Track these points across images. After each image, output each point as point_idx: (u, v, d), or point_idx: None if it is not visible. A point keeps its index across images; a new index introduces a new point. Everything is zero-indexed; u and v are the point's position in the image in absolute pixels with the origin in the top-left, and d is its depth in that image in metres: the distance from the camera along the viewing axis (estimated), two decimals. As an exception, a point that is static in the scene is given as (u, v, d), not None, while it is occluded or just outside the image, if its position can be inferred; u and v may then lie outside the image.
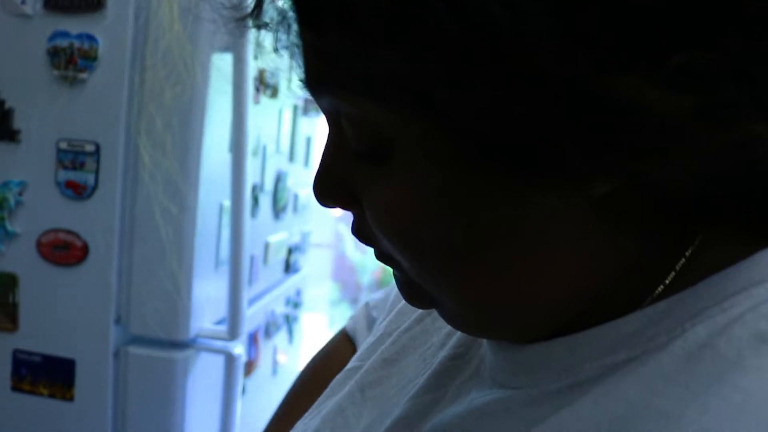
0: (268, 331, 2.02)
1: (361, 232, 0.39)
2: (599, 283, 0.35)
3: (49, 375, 1.50)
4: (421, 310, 0.52)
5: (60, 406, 1.49)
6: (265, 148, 1.83)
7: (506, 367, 0.40)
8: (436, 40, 0.29)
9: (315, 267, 2.90)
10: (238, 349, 1.57)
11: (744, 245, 0.34)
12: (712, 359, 0.31)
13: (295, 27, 0.36)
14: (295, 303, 2.26)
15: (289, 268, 2.18)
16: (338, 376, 0.55)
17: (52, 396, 1.50)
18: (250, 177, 1.58)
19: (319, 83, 0.35)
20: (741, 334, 0.31)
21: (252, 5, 0.39)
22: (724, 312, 0.32)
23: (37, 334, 1.50)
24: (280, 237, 2.04)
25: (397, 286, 0.40)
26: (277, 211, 2.01)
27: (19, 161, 1.47)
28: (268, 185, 1.91)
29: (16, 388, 1.51)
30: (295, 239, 2.22)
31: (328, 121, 0.38)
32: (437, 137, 0.32)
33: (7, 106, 1.47)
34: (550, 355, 0.37)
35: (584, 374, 0.35)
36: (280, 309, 2.13)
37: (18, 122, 1.47)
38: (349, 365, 0.55)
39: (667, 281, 0.34)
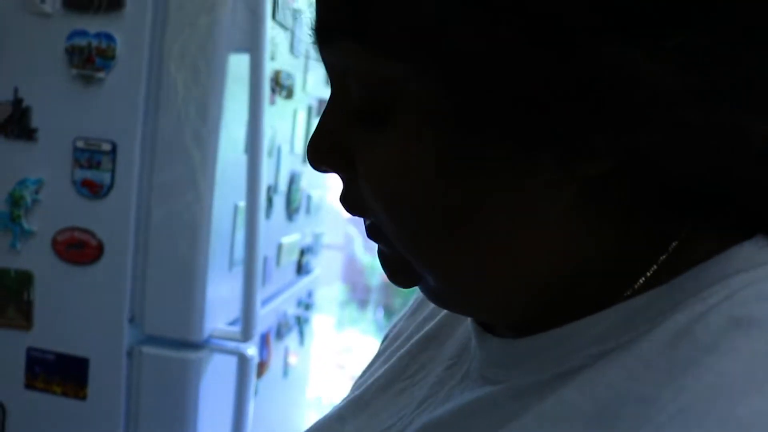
0: (280, 332, 2.02)
1: (349, 199, 0.39)
2: (578, 268, 0.36)
3: (62, 373, 1.50)
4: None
5: (73, 405, 1.49)
6: (279, 149, 1.83)
7: (494, 361, 0.40)
8: None
9: (325, 268, 2.90)
10: (251, 350, 1.57)
11: (720, 240, 0.35)
12: (689, 344, 0.32)
13: None
14: (306, 304, 2.26)
15: (301, 269, 2.18)
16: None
17: (65, 394, 1.50)
18: (265, 178, 1.58)
19: (332, 32, 0.36)
20: (717, 321, 0.32)
21: None
22: (702, 301, 0.33)
23: (51, 332, 1.50)
24: (292, 238, 2.04)
25: (382, 265, 0.40)
26: (290, 212, 2.01)
27: (35, 159, 1.47)
28: (282, 186, 1.91)
29: (29, 386, 1.51)
30: (308, 240, 2.21)
31: (331, 81, 0.38)
32: (442, 97, 0.32)
33: (24, 104, 1.47)
34: (537, 348, 0.37)
35: (569, 365, 0.36)
36: (292, 310, 2.13)
37: (35, 121, 1.47)
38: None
39: (648, 273, 0.35)
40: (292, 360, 2.17)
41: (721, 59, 0.29)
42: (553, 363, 0.36)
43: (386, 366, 0.50)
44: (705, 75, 0.29)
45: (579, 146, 0.31)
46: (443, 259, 0.37)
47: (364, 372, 0.56)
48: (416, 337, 0.50)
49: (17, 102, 1.48)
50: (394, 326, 0.57)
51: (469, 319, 0.45)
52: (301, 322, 2.22)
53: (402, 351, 0.50)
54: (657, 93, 0.29)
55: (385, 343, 0.56)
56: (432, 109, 0.33)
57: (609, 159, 0.32)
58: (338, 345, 4.86)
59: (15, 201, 1.48)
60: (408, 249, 0.37)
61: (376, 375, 0.51)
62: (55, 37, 1.44)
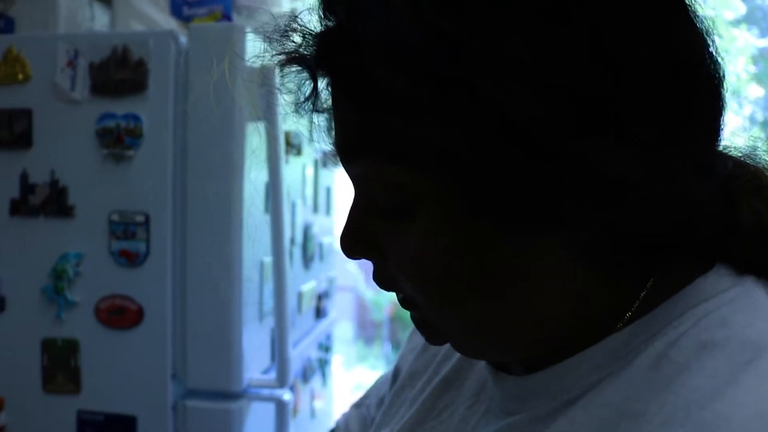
0: (306, 375, 2.12)
1: (381, 279, 0.46)
2: (576, 312, 0.44)
3: (112, 432, 1.60)
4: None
5: (124, 461, 1.59)
6: (294, 204, 1.95)
7: (512, 396, 0.48)
8: (471, 117, 0.37)
9: (338, 309, 3.00)
10: (287, 395, 1.67)
11: (689, 273, 0.44)
12: (667, 366, 0.40)
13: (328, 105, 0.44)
14: (326, 347, 2.36)
15: (319, 313, 2.29)
16: None
17: (116, 452, 1.59)
18: (288, 234, 1.69)
19: (355, 152, 0.42)
20: (687, 344, 0.40)
21: (309, 93, 0.46)
22: (674, 329, 0.41)
23: (99, 394, 1.60)
24: (310, 285, 2.15)
25: (416, 326, 0.48)
26: (307, 260, 2.12)
27: (75, 235, 1.59)
28: (299, 238, 2.02)
29: (81, 447, 1.61)
30: (323, 285, 2.32)
31: (354, 185, 0.45)
32: (457, 196, 0.39)
33: (61, 184, 1.60)
34: (547, 381, 0.45)
35: (575, 392, 0.43)
36: (314, 353, 2.23)
37: (72, 199, 1.59)
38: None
39: (632, 309, 0.44)
40: (318, 402, 2.26)
41: (674, 147, 0.38)
42: (562, 391, 0.44)
43: (413, 409, 0.57)
44: (662, 160, 0.37)
45: (572, 222, 0.39)
46: (468, 320, 0.44)
47: (385, 407, 0.62)
48: (436, 381, 0.57)
49: (54, 183, 1.60)
50: (403, 362, 0.64)
51: (483, 362, 0.52)
52: (323, 364, 2.32)
53: (425, 394, 0.56)
54: (623, 177, 0.37)
55: (399, 382, 0.62)
56: (448, 205, 0.40)
57: (594, 227, 0.39)
58: (349, 383, 4.92)
59: (58, 275, 1.59)
60: (438, 315, 0.45)
61: (405, 418, 0.57)
62: (85, 121, 1.57)
